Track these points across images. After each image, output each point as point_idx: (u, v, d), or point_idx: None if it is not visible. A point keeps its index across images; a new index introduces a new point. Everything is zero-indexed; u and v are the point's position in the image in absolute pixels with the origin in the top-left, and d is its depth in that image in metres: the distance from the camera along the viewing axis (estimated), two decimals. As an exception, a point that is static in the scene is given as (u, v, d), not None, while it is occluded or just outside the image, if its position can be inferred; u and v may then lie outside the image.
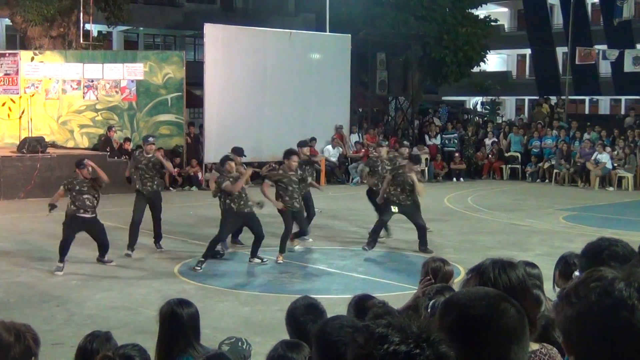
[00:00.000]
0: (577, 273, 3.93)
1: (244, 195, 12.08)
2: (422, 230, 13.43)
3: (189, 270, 11.86)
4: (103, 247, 12.14)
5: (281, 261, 12.40)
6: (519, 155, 27.22)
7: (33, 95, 22.84)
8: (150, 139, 13.40)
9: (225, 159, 12.49)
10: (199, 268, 11.73)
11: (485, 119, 35.94)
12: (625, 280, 1.86)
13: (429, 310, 3.66)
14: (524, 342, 1.99)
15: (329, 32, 26.60)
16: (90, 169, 11.94)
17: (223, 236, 12.26)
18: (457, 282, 5.83)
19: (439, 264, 5.47)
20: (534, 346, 2.90)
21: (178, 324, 4.75)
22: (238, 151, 13.65)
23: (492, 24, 34.04)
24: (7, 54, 23.91)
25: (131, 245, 12.78)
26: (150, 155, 13.05)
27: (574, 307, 1.87)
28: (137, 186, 13.10)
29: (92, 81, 23.32)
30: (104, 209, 16.79)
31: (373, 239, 13.25)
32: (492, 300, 2.01)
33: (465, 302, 2.01)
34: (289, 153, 12.94)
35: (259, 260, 12.33)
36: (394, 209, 13.25)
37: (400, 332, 1.72)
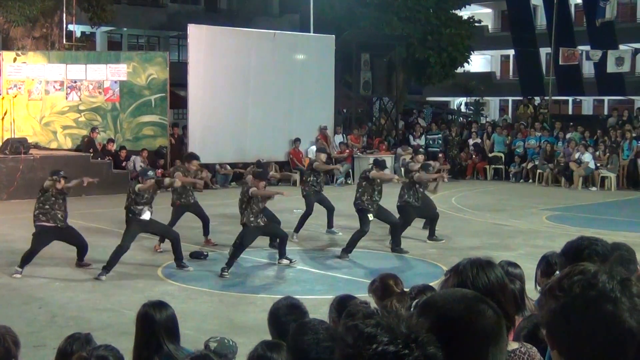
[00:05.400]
0: (558, 272, 3.94)
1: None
2: (396, 230, 13.44)
3: (172, 271, 11.83)
4: (82, 249, 11.94)
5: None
6: (502, 155, 27.33)
7: (16, 96, 22.69)
8: (150, 173, 12.00)
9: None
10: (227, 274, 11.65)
11: (469, 119, 36.04)
12: (608, 273, 1.88)
13: (412, 309, 3.65)
14: (502, 343, 1.98)
15: (313, 32, 26.60)
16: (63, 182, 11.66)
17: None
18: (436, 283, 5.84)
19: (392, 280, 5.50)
20: (513, 345, 2.90)
21: (150, 326, 4.72)
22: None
23: (476, 24, 34.16)
24: (-11, 55, 23.76)
25: (108, 268, 11.50)
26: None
27: (558, 300, 1.89)
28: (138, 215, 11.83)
29: (75, 82, 23.20)
30: (87, 210, 16.75)
31: (350, 249, 12.96)
32: (469, 302, 2.00)
33: (443, 304, 2.00)
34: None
35: (287, 261, 12.29)
36: (371, 216, 13.08)
37: (389, 332, 1.70)
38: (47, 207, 11.51)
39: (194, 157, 14.33)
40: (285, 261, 12.30)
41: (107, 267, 11.31)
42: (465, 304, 1.98)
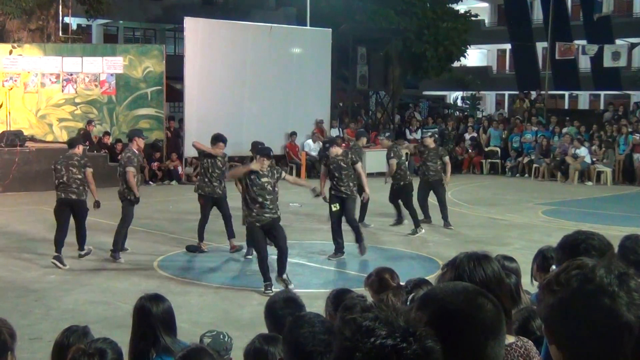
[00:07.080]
0: (554, 267, 3.95)
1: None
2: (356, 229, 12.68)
3: (168, 264, 11.82)
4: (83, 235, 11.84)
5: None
6: (498, 149, 27.35)
7: (12, 88, 22.63)
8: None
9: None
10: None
11: (466, 113, 36.05)
12: (606, 267, 1.88)
13: (407, 304, 3.65)
14: (501, 337, 1.98)
15: (310, 26, 26.56)
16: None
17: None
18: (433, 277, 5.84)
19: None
20: (510, 339, 2.90)
21: (147, 319, 4.72)
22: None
23: (473, 18, 34.18)
24: (-16, 47, 23.69)
25: (120, 248, 12.11)
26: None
27: (556, 294, 1.89)
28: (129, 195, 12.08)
29: (71, 75, 23.16)
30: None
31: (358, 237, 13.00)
32: (469, 295, 2.00)
33: (443, 297, 1.99)
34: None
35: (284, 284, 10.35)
36: (334, 207, 12.30)
37: (387, 325, 1.70)
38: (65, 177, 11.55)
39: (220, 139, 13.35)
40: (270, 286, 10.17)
41: (115, 247, 11.80)
42: (465, 297, 1.98)
